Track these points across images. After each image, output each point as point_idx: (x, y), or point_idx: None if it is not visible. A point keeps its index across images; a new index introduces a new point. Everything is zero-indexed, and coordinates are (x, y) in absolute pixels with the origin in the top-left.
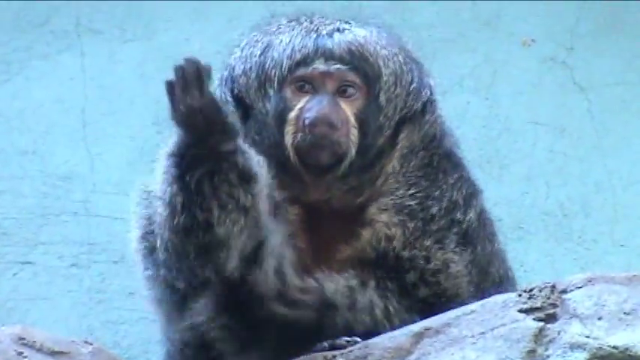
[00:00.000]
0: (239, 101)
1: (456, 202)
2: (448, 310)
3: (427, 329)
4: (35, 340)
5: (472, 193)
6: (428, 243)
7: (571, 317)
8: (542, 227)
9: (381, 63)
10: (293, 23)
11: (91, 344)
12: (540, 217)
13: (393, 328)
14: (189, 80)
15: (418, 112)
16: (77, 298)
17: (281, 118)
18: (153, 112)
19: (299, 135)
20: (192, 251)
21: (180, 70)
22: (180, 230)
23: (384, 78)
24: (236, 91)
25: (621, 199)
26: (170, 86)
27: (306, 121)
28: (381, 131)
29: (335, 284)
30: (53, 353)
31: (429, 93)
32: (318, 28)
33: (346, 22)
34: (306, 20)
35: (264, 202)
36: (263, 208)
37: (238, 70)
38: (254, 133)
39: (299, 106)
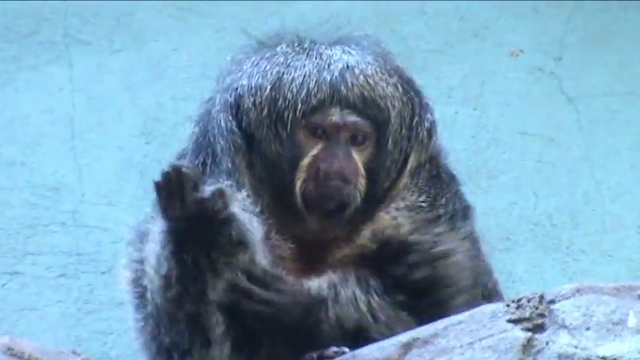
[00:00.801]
0: (246, 133)
1: (456, 212)
2: (437, 305)
3: (415, 339)
4: (24, 351)
5: (467, 207)
6: (438, 230)
7: (559, 327)
8: (531, 237)
9: (390, 106)
10: (299, 52)
11: (79, 355)
12: (528, 228)
13: (379, 325)
14: (172, 190)
15: (425, 138)
16: (65, 308)
17: (292, 163)
18: (141, 122)
19: (310, 183)
20: (184, 319)
21: (165, 177)
22: (174, 301)
23: (392, 121)
24: (244, 124)
25: (609, 210)
26: (157, 187)
27: (321, 173)
28: (388, 175)
29: (318, 282)
30: None
31: (430, 117)
32: (329, 65)
33: (348, 50)
34: (311, 49)
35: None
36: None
37: (248, 102)
38: (261, 169)
39: (312, 153)
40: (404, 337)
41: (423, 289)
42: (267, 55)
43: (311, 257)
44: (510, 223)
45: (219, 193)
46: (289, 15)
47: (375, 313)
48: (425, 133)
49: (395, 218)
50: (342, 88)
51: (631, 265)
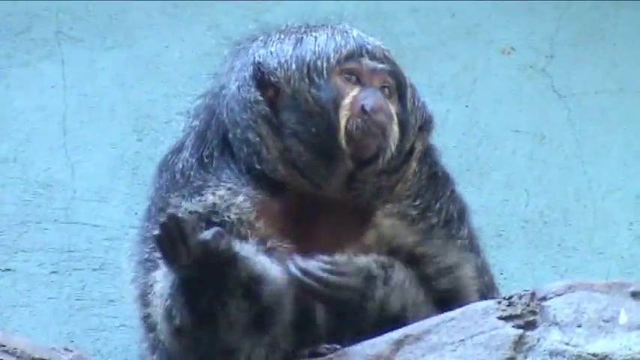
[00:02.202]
0: (271, 101)
1: (452, 217)
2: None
3: (407, 336)
4: (16, 347)
5: (464, 208)
6: (439, 243)
7: (550, 324)
8: (522, 235)
9: (404, 74)
10: (312, 27)
11: (71, 351)
12: (520, 225)
13: (416, 319)
14: (174, 238)
15: (427, 123)
16: (57, 305)
17: (334, 104)
18: (133, 119)
19: (355, 120)
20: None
21: (164, 227)
22: (187, 347)
23: (409, 89)
24: (270, 81)
25: (601, 207)
26: (158, 240)
27: (367, 107)
28: (408, 135)
29: (365, 258)
30: None
31: (429, 109)
32: (346, 32)
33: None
34: (323, 25)
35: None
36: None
37: (272, 63)
38: (294, 123)
39: (353, 93)
40: (396, 333)
41: (441, 299)
42: (276, 33)
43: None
44: (502, 220)
45: (220, 234)
46: (281, 13)
47: (418, 305)
48: (428, 117)
49: (393, 227)
50: (368, 43)
51: (622, 262)
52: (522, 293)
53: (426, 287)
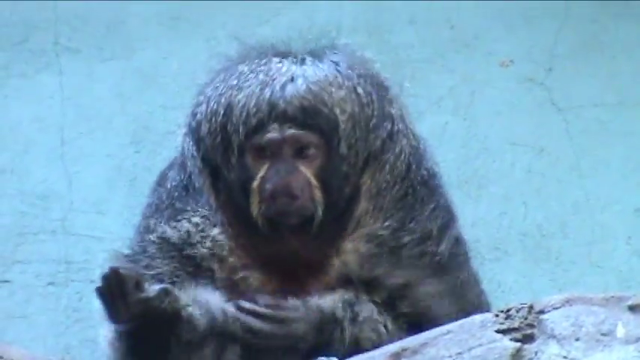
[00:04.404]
0: (207, 161)
1: (430, 233)
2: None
3: (404, 349)
4: (13, 359)
5: (447, 223)
6: (405, 269)
7: (548, 338)
8: (520, 248)
9: (337, 110)
10: (253, 71)
11: None
12: (518, 238)
13: None
14: (114, 292)
15: (378, 150)
16: (54, 316)
17: (245, 187)
18: (131, 130)
19: (263, 205)
20: None
21: (105, 281)
22: None
23: (342, 126)
24: (202, 151)
25: (599, 220)
26: (98, 292)
27: (266, 194)
28: (347, 180)
29: (330, 299)
30: None
31: (389, 126)
32: (273, 81)
33: (303, 62)
34: (265, 64)
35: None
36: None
37: (204, 129)
38: (224, 196)
39: (260, 174)
40: (393, 346)
41: (411, 322)
42: (227, 76)
43: (280, 282)
44: (500, 233)
45: (165, 292)
46: (279, 24)
47: (391, 333)
48: (379, 143)
49: (357, 250)
50: (281, 102)
51: (620, 275)
52: (520, 306)
53: (392, 311)
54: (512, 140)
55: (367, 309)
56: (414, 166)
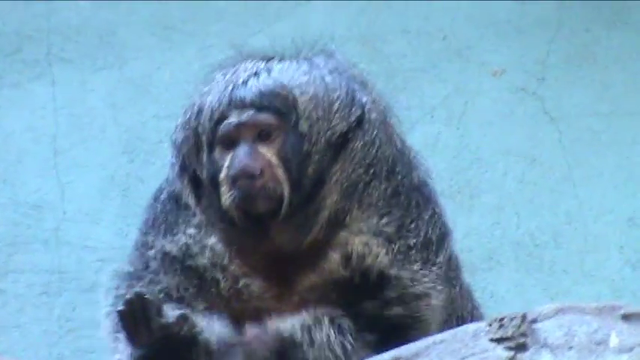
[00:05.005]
0: (185, 167)
1: (430, 241)
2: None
3: (398, 359)
4: None
5: (444, 234)
6: (415, 267)
7: (541, 347)
8: (513, 257)
9: (297, 92)
10: (223, 75)
11: None
12: (511, 247)
13: None
14: (137, 317)
15: (343, 134)
16: (47, 326)
17: (214, 181)
18: (124, 140)
19: (232, 193)
20: None
21: (128, 305)
22: None
23: (301, 106)
24: (180, 158)
25: (592, 230)
26: (121, 315)
27: (229, 180)
28: (309, 159)
29: (290, 323)
30: None
31: (358, 112)
32: (237, 79)
33: (272, 60)
34: (235, 67)
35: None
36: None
37: (180, 136)
38: (206, 201)
39: (226, 164)
40: (386, 355)
41: (394, 327)
42: (205, 89)
43: (279, 286)
44: (493, 243)
45: (184, 318)
46: (272, 34)
47: (349, 355)
48: (345, 125)
49: (367, 245)
50: (240, 91)
51: (613, 284)
52: (513, 315)
53: (376, 321)
54: (504, 150)
55: (324, 333)
56: (399, 168)
